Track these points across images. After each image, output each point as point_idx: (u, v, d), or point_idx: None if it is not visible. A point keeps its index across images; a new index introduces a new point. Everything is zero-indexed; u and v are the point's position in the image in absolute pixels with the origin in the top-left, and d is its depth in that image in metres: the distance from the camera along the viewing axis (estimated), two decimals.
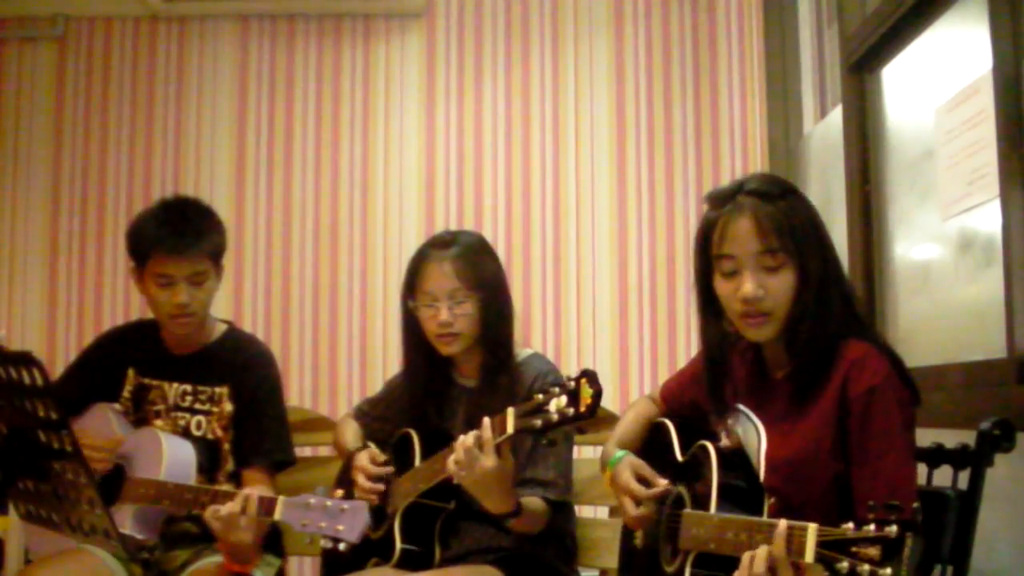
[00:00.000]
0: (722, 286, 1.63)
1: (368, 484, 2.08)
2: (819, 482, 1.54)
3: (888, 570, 1.16)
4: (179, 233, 2.15)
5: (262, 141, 3.54)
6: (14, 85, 3.57)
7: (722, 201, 1.63)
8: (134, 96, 3.57)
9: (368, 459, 2.13)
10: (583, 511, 2.32)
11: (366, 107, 3.55)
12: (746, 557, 1.37)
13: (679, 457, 1.80)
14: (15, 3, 3.50)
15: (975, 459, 1.59)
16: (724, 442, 1.70)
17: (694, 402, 1.87)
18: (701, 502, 1.62)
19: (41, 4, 3.51)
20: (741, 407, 1.70)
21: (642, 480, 1.77)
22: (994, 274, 1.99)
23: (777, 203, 1.58)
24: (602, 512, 2.37)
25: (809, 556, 1.26)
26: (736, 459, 1.64)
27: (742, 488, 1.60)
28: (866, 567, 1.18)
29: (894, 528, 1.17)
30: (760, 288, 1.57)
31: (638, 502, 1.76)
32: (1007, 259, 1.93)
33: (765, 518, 1.46)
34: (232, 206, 3.47)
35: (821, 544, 1.25)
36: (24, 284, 3.50)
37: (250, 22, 3.58)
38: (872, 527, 1.19)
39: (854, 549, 1.20)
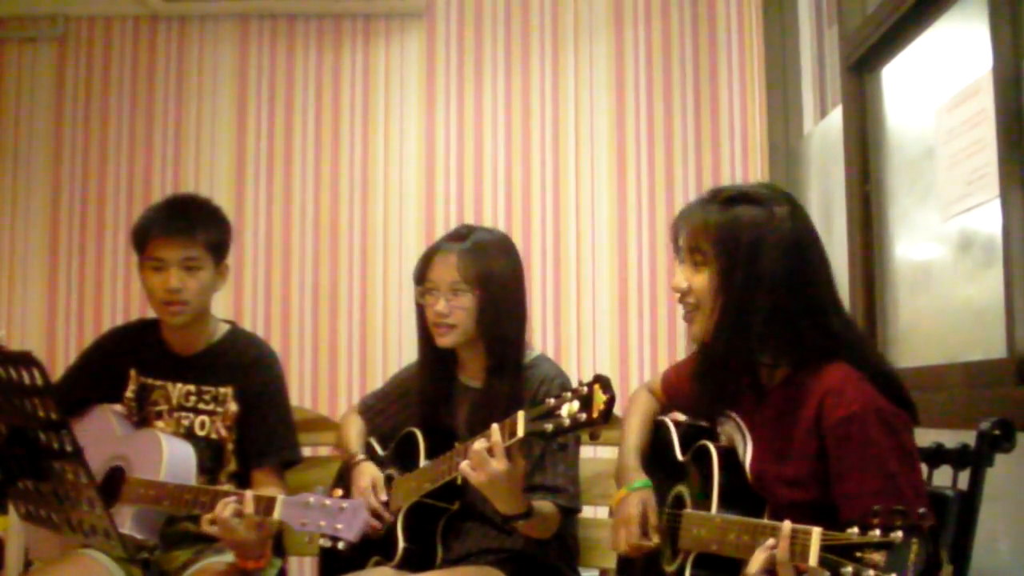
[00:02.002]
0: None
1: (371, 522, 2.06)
2: (801, 501, 1.54)
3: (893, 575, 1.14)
4: (173, 218, 2.21)
5: (262, 141, 3.54)
6: (14, 85, 3.57)
7: (693, 201, 1.71)
8: (134, 96, 3.56)
9: (370, 484, 2.12)
10: (583, 511, 2.32)
11: (366, 107, 3.55)
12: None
13: (679, 456, 1.80)
14: (15, 3, 3.50)
15: (975, 459, 1.59)
16: (724, 442, 1.71)
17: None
18: (702, 502, 1.62)
19: (41, 4, 3.51)
20: (732, 414, 1.70)
21: (643, 520, 1.77)
22: (994, 274, 1.99)
23: (719, 209, 1.61)
24: (602, 512, 2.37)
25: (813, 560, 1.25)
26: (734, 466, 1.64)
27: (743, 490, 1.60)
28: (871, 572, 1.16)
29: (899, 534, 1.15)
30: (684, 281, 1.64)
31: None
32: (1007, 259, 1.93)
33: (767, 520, 1.45)
34: (232, 206, 3.46)
35: (825, 548, 1.24)
36: (24, 284, 3.50)
37: (250, 22, 3.58)
38: (877, 532, 1.18)
39: (859, 554, 1.18)
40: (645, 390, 2.03)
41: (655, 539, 1.74)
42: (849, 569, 1.19)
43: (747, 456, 1.62)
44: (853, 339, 1.60)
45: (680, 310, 1.71)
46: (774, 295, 1.55)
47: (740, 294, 1.57)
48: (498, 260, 2.14)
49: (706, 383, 1.67)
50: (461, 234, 2.16)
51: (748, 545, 1.41)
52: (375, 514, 2.06)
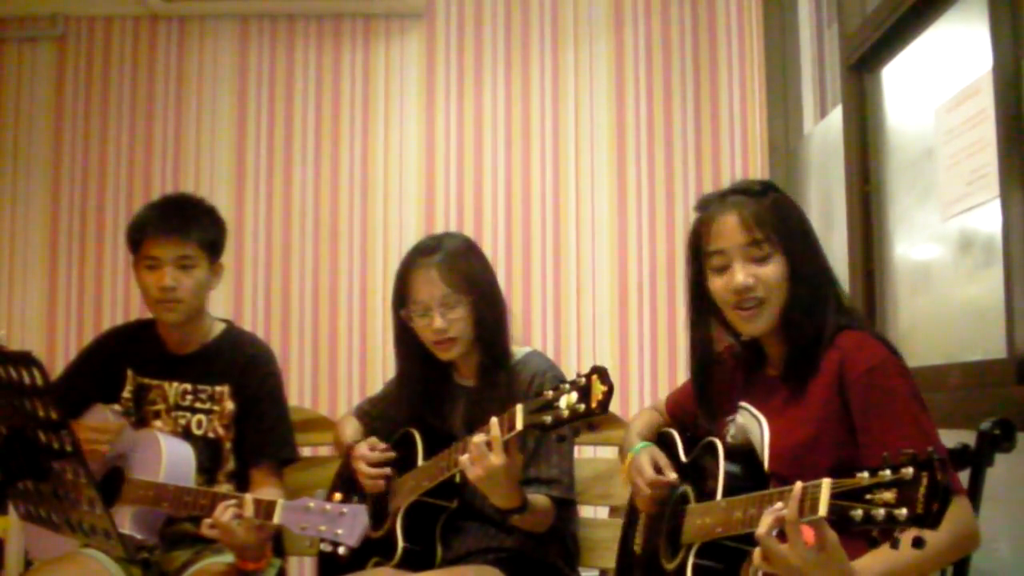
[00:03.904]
0: (715, 283, 1.68)
1: (372, 471, 2.09)
2: (822, 469, 1.54)
3: (903, 510, 1.13)
4: (167, 217, 2.22)
5: (262, 141, 3.54)
6: (14, 85, 3.57)
7: (709, 203, 1.71)
8: (134, 96, 3.56)
9: (368, 448, 2.14)
10: (583, 511, 2.32)
11: (366, 107, 3.55)
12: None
13: (683, 458, 1.80)
14: (15, 3, 3.50)
15: (975, 459, 1.59)
16: (730, 440, 1.71)
17: (697, 414, 1.88)
18: (707, 494, 1.62)
19: (41, 4, 3.51)
20: (742, 404, 1.72)
21: (657, 470, 1.80)
22: (994, 274, 1.99)
23: (761, 200, 1.65)
24: (602, 512, 2.37)
25: (823, 509, 1.23)
26: (742, 454, 1.65)
27: (748, 479, 1.60)
28: (881, 511, 1.15)
29: (909, 470, 1.14)
30: (751, 277, 1.62)
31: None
32: (1007, 259, 1.93)
33: (778, 489, 1.43)
34: (232, 206, 3.47)
35: (836, 496, 1.22)
36: (24, 284, 3.50)
37: (250, 22, 3.58)
38: (888, 472, 1.16)
39: (868, 496, 1.17)
40: (650, 408, 2.07)
41: (671, 475, 1.76)
42: (859, 511, 1.17)
43: (766, 438, 1.63)
44: (857, 314, 1.69)
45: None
46: (826, 272, 1.66)
47: (816, 275, 1.63)
48: (474, 261, 2.13)
49: (792, 370, 1.64)
50: (430, 247, 2.11)
51: (756, 517, 1.40)
52: (383, 463, 2.10)
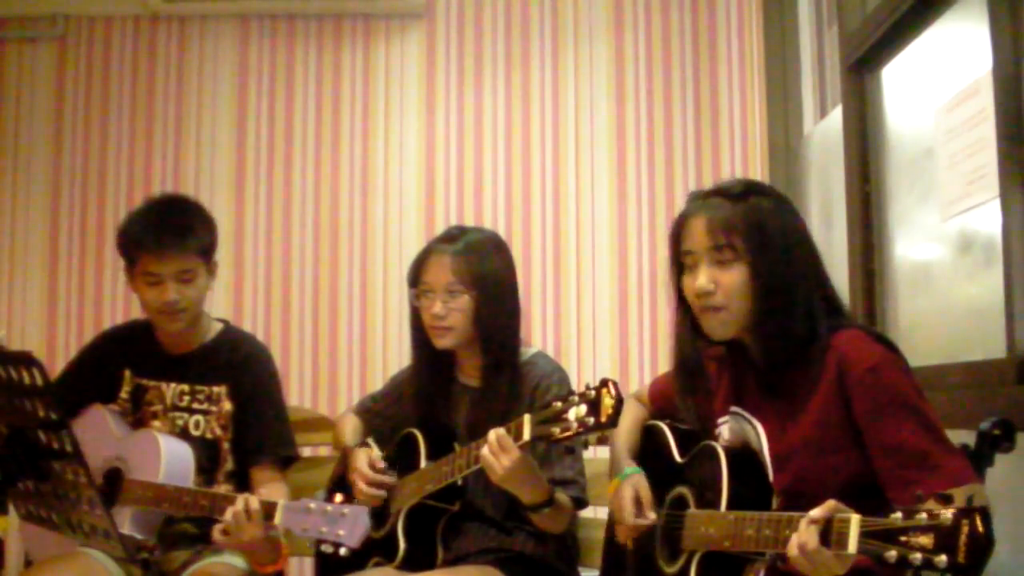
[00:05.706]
0: (685, 282, 1.67)
1: (369, 491, 2.08)
2: (828, 476, 1.54)
3: (943, 556, 1.10)
4: (164, 232, 2.16)
5: (262, 141, 3.54)
6: (14, 85, 3.57)
7: (691, 200, 1.69)
8: (134, 96, 3.57)
9: (367, 462, 2.12)
10: (583, 511, 2.32)
11: (366, 107, 3.55)
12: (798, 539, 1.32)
13: (678, 459, 1.80)
14: (15, 3, 3.50)
15: (975, 459, 1.59)
16: (728, 445, 1.70)
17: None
18: (710, 501, 1.61)
19: (41, 4, 3.51)
20: (736, 409, 1.71)
21: (638, 502, 1.80)
22: (994, 274, 1.99)
23: (736, 203, 1.62)
24: (602, 512, 2.36)
25: (852, 547, 1.21)
26: (740, 458, 1.64)
27: (749, 486, 1.60)
28: (918, 555, 1.12)
29: (948, 514, 1.11)
30: (711, 283, 1.60)
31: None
32: (1007, 259, 1.92)
33: (795, 513, 1.42)
34: (232, 206, 3.47)
35: (866, 534, 1.20)
36: (24, 284, 3.50)
37: (250, 22, 3.58)
38: (924, 515, 1.13)
39: (903, 539, 1.14)
40: (632, 399, 2.05)
41: (651, 515, 1.76)
42: (893, 553, 1.14)
43: (764, 444, 1.62)
44: (845, 311, 1.68)
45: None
46: (806, 278, 1.61)
47: (782, 281, 1.59)
48: (491, 259, 2.14)
49: (781, 377, 1.63)
50: (453, 235, 2.15)
51: (772, 538, 1.39)
52: (378, 485, 2.08)
